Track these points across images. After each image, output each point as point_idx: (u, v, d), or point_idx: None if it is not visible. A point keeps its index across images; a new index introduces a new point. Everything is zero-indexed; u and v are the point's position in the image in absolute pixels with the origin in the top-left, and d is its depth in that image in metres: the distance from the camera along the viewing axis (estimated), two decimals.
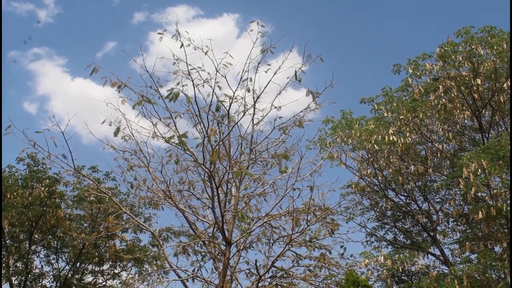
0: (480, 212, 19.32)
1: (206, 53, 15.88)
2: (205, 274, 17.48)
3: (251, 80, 16.44)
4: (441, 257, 22.71)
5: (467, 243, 21.24)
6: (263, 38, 16.33)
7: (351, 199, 24.97)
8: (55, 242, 25.38)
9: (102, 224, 20.54)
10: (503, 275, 19.49)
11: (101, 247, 25.17)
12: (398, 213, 25.10)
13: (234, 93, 16.20)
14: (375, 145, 22.52)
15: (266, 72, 16.31)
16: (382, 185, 24.42)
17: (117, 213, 18.40)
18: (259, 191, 17.87)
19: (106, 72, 15.34)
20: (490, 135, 22.46)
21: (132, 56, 15.88)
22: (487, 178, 19.01)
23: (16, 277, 24.26)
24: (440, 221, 24.16)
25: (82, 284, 23.95)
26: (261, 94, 16.52)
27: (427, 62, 23.05)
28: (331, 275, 17.85)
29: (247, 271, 17.84)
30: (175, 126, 15.89)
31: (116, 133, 15.93)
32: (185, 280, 16.38)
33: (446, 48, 21.96)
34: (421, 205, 24.71)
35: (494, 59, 21.17)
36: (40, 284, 25.13)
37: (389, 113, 23.81)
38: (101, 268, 26.09)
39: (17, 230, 24.34)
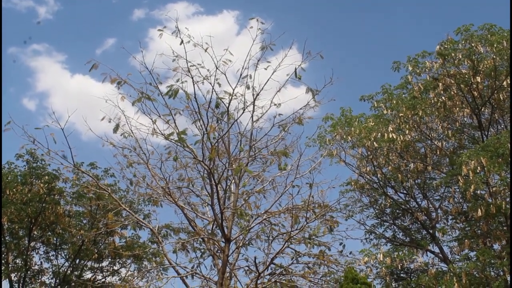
0: (479, 210, 19.35)
1: (206, 50, 15.87)
2: (204, 271, 17.52)
3: (250, 77, 16.44)
4: (440, 255, 22.73)
5: (466, 240, 21.26)
6: (263, 35, 16.36)
7: (351, 197, 25.02)
8: (55, 239, 25.42)
9: (101, 220, 20.55)
10: (501, 273, 19.50)
11: (100, 244, 25.20)
12: (397, 211, 25.11)
13: (233, 90, 16.21)
14: (374, 143, 22.53)
15: (265, 69, 16.32)
16: (381, 183, 24.43)
17: (117, 210, 18.39)
18: (259, 188, 17.86)
19: (105, 69, 15.34)
20: (489, 133, 22.46)
21: (132, 53, 15.85)
22: (486, 176, 19.04)
23: (16, 273, 24.30)
24: (439, 219, 24.19)
25: (81, 281, 23.99)
26: (260, 91, 16.52)
27: (427, 59, 23.03)
28: (330, 272, 17.87)
29: (246, 268, 17.88)
30: (175, 123, 15.89)
31: (115, 130, 15.92)
32: (184, 277, 16.39)
33: (446, 46, 21.95)
34: (420, 202, 24.74)
35: (494, 57, 21.17)
36: (40, 280, 25.17)
37: (389, 111, 23.80)
38: (100, 265, 26.13)
39: (16, 227, 24.38)
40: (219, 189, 16.12)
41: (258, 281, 16.40)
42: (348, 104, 24.67)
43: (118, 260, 25.89)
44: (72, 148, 15.12)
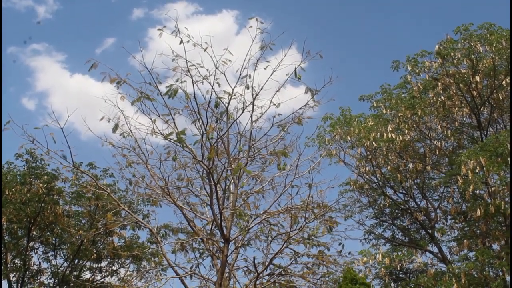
0: (478, 210, 19.36)
1: (205, 50, 15.86)
2: (203, 271, 17.48)
3: (250, 77, 16.44)
4: (439, 255, 22.73)
5: (465, 240, 21.27)
6: (262, 34, 16.35)
7: (350, 197, 25.03)
8: (53, 239, 25.41)
9: (101, 220, 20.54)
10: (500, 273, 19.51)
11: (99, 244, 25.19)
12: (396, 211, 25.12)
13: (233, 90, 16.20)
14: (373, 143, 22.52)
15: (265, 69, 16.30)
16: (380, 183, 24.43)
17: (116, 210, 18.35)
18: (258, 188, 17.83)
19: (105, 68, 15.32)
20: (488, 132, 22.47)
21: (131, 53, 15.83)
22: (485, 176, 19.05)
23: (14, 273, 24.27)
24: (438, 219, 24.20)
25: (80, 281, 23.98)
26: (260, 91, 16.51)
27: (426, 59, 23.04)
28: (329, 272, 17.85)
29: (245, 268, 17.85)
30: (174, 122, 15.87)
31: (114, 130, 15.91)
32: (183, 277, 16.37)
33: (445, 45, 21.94)
34: (419, 202, 24.76)
35: (493, 56, 21.17)
36: (38, 281, 25.15)
37: (388, 110, 23.81)
38: (99, 265, 26.10)
39: (15, 227, 24.36)
40: (218, 189, 16.11)
41: (257, 282, 16.39)
42: (347, 104, 24.72)
43: (117, 260, 25.87)
44: (72, 148, 15.10)
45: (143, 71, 15.48)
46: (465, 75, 22.02)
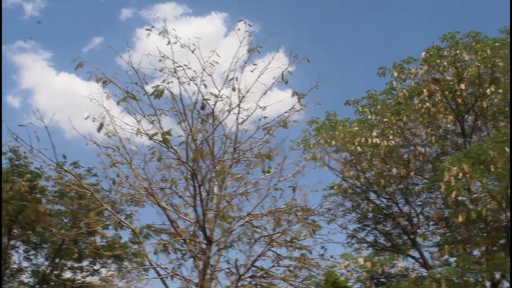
0: (460, 216, 19.49)
1: (193, 51, 15.90)
2: (185, 272, 17.38)
3: (237, 79, 16.48)
4: (421, 260, 22.88)
5: (446, 246, 21.42)
6: (251, 37, 16.40)
7: (333, 201, 25.07)
8: (35, 238, 25.19)
9: (83, 220, 20.41)
10: (480, 279, 19.67)
11: (81, 243, 25.03)
12: (379, 216, 25.23)
13: (219, 92, 16.23)
14: (358, 147, 22.62)
15: (252, 71, 16.36)
16: (364, 187, 24.53)
17: (99, 210, 18.28)
18: (242, 191, 17.82)
19: (91, 67, 15.32)
20: (472, 139, 22.65)
21: (119, 52, 15.84)
22: (468, 183, 19.18)
23: None
24: (420, 224, 24.33)
25: (61, 280, 23.82)
26: (246, 93, 16.54)
27: (412, 65, 23.21)
28: (311, 275, 17.87)
29: (227, 270, 17.77)
30: (159, 123, 15.85)
31: (99, 129, 15.86)
32: (164, 278, 16.32)
33: (431, 53, 22.12)
34: (402, 207, 24.88)
35: (478, 64, 21.37)
36: (18, 279, 24.94)
37: (373, 116, 23.94)
38: (80, 265, 25.94)
39: None
40: (202, 190, 16.10)
41: (239, 284, 16.39)
42: (333, 108, 24.77)
43: (98, 260, 25.72)
44: (56, 146, 15.05)
45: (130, 71, 15.49)
46: (451, 83, 22.21)
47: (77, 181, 18.65)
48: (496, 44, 21.25)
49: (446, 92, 22.36)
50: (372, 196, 24.89)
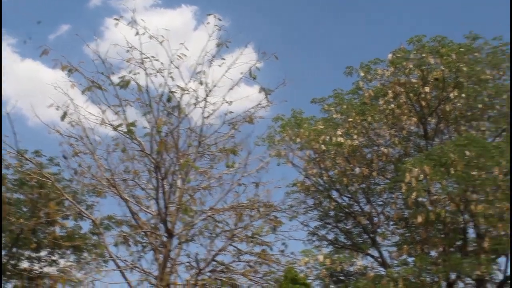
0: (419, 217, 19.77)
1: (161, 43, 15.82)
2: (144, 265, 17.30)
3: (204, 73, 16.44)
4: (379, 259, 23.18)
5: (405, 246, 21.72)
6: (220, 32, 16.37)
7: (296, 198, 25.22)
8: None
9: (43, 209, 20.10)
10: (436, 279, 20.03)
11: (40, 233, 24.64)
12: (340, 214, 25.44)
13: (186, 85, 16.18)
14: (322, 146, 22.77)
15: (220, 66, 16.35)
16: (326, 186, 24.73)
17: (59, 199, 18.05)
18: (205, 185, 17.80)
19: (57, 55, 15.14)
20: (434, 142, 23.00)
21: (86, 41, 15.65)
22: (428, 184, 19.47)
23: None
24: (380, 224, 24.62)
25: (17, 270, 23.41)
26: (213, 87, 16.53)
27: (379, 67, 23.45)
28: (271, 271, 17.96)
29: (188, 264, 17.76)
30: (124, 114, 15.74)
31: (63, 118, 15.68)
32: (124, 270, 16.22)
33: (398, 55, 22.39)
34: (363, 207, 25.14)
35: (443, 68, 21.69)
36: None
37: (339, 115, 24.12)
38: (38, 255, 25.54)
39: None
40: (165, 183, 16.05)
41: (199, 278, 16.39)
42: (300, 106, 24.88)
43: (57, 250, 25.36)
44: (17, 134, 14.81)
45: (96, 60, 15.36)
46: (415, 85, 22.51)
47: (38, 170, 18.37)
48: (461, 49, 21.62)
49: (411, 95, 22.67)
50: (334, 194, 25.12)
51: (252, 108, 17.35)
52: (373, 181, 25.10)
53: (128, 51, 15.73)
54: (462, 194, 19.29)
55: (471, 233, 21.35)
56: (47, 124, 16.65)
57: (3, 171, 23.54)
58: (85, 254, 24.66)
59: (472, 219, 20.07)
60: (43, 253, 25.64)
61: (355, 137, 23.41)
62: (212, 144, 17.60)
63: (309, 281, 18.87)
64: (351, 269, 23.38)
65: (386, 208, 25.02)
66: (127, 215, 17.72)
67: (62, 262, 25.72)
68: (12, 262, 24.67)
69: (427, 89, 22.26)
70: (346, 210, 24.95)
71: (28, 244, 24.03)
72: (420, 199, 20.42)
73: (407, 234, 22.95)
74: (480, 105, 22.31)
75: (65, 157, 15.59)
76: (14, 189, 24.21)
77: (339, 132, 23.01)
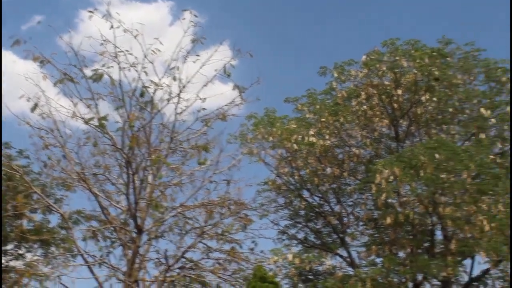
0: (388, 218, 19.94)
1: (135, 37, 15.73)
2: (113, 260, 17.21)
3: (178, 69, 16.40)
4: (348, 259, 23.33)
5: (373, 246, 21.89)
6: (195, 28, 16.36)
7: (267, 196, 25.26)
8: None
9: (10, 202, 19.82)
10: (404, 280, 20.25)
11: (6, 226, 24.27)
12: (311, 213, 25.53)
13: (160, 80, 16.12)
14: (294, 145, 22.82)
15: (194, 62, 16.34)
16: (298, 185, 24.80)
17: (27, 192, 17.82)
18: (176, 181, 17.76)
19: (30, 46, 14.97)
20: (405, 144, 23.21)
21: (59, 33, 15.50)
22: (398, 186, 19.67)
23: None
24: (350, 224, 24.75)
25: None
26: (187, 84, 16.51)
27: (352, 68, 23.60)
28: (240, 269, 18.00)
29: (157, 260, 17.71)
30: (96, 108, 15.64)
31: (33, 109, 15.52)
32: (92, 266, 16.10)
33: (372, 57, 22.55)
34: (333, 207, 25.23)
35: (416, 71, 21.91)
36: None
37: (311, 115, 24.18)
38: (4, 248, 25.16)
39: None
40: (135, 178, 15.98)
41: (167, 274, 16.34)
42: (273, 105, 24.90)
43: (24, 244, 25.01)
44: None
45: (70, 52, 15.22)
46: (388, 88, 22.71)
47: (6, 162, 18.12)
48: (433, 53, 21.86)
49: (383, 97, 22.85)
50: (305, 194, 25.19)
51: (226, 105, 17.39)
52: (343, 182, 25.23)
53: (102, 44, 15.66)
54: (430, 197, 19.52)
55: (439, 235, 21.61)
56: (17, 116, 16.46)
57: None
58: (53, 249, 24.36)
59: (440, 222, 20.32)
60: (9, 247, 25.26)
61: (327, 137, 23.51)
62: (184, 141, 17.58)
63: (278, 279, 18.93)
64: (320, 268, 23.49)
65: (356, 209, 25.20)
66: (97, 210, 17.62)
67: (29, 256, 25.36)
68: None
69: (399, 91, 22.46)
70: (317, 209, 25.06)
71: None
72: (389, 200, 20.61)
73: (376, 235, 23.14)
74: (450, 109, 22.59)
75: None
76: None
77: (311, 132, 23.08)
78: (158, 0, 52.39)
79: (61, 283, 16.31)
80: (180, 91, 16.54)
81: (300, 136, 22.90)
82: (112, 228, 17.27)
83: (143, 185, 16.56)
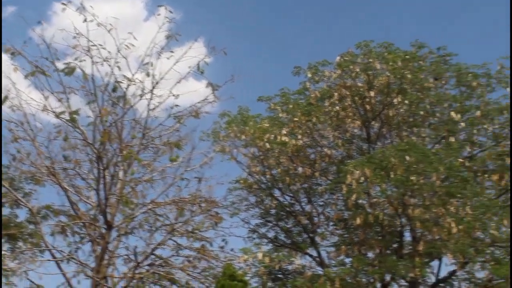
0: (358, 218, 20.08)
1: (109, 31, 15.62)
2: (81, 256, 17.07)
3: (152, 64, 16.32)
4: (318, 259, 23.43)
5: (343, 247, 22.01)
6: (170, 24, 16.30)
7: (238, 195, 25.21)
8: None
9: None
10: (372, 280, 20.43)
11: None
12: (281, 213, 25.56)
13: (133, 75, 16.03)
14: (267, 144, 22.86)
15: (168, 58, 16.28)
16: (269, 184, 24.83)
17: None
18: (147, 177, 17.67)
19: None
20: (376, 146, 23.40)
21: (32, 25, 15.30)
22: (368, 187, 19.82)
23: None
24: (320, 224, 24.84)
25: None
26: (160, 80, 16.44)
27: (326, 68, 23.71)
28: (210, 267, 18.00)
29: (126, 256, 17.63)
30: (68, 102, 15.48)
31: (3, 101, 15.29)
32: (60, 261, 15.94)
33: (346, 58, 22.70)
34: (304, 206, 25.29)
35: (388, 74, 22.11)
36: None
37: (284, 114, 24.24)
38: None
39: None
40: (106, 174, 15.87)
41: (136, 271, 16.25)
42: (247, 104, 24.87)
43: None
44: None
45: (42, 45, 15.05)
46: (361, 89, 22.88)
47: None
48: (406, 56, 22.09)
49: (356, 98, 22.99)
50: (277, 193, 25.21)
51: (199, 102, 17.38)
52: (315, 181, 25.30)
53: (75, 37, 15.53)
54: (400, 198, 19.71)
55: (407, 237, 21.83)
56: None
57: None
58: (20, 243, 23.98)
59: (409, 223, 20.52)
60: None
61: (299, 137, 23.59)
62: (157, 137, 17.52)
63: (247, 278, 18.98)
64: (290, 267, 23.53)
65: (327, 209, 25.28)
66: (66, 205, 17.45)
67: None
68: None
69: (372, 93, 22.63)
70: (287, 209, 25.11)
71: None
72: (360, 201, 20.76)
73: (345, 235, 23.27)
74: (422, 112, 22.83)
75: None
76: None
77: (284, 131, 23.13)
78: None
79: (28, 279, 16.18)
80: (153, 87, 16.47)
81: (273, 135, 22.93)
82: (81, 224, 17.12)
83: (113, 181, 16.45)
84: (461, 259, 18.84)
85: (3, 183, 17.26)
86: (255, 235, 25.57)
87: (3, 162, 22.93)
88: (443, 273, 21.45)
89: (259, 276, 22.44)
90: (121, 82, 16.09)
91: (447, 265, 20.87)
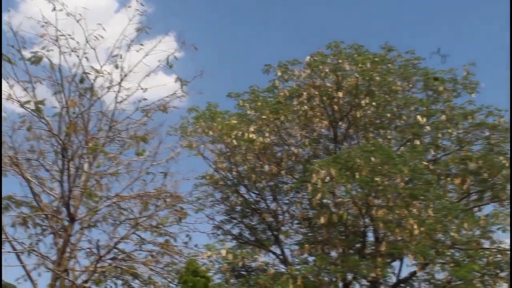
0: (322, 218, 20.22)
1: (78, 21, 15.42)
2: (43, 249, 16.82)
3: (121, 57, 16.18)
4: (281, 256, 23.55)
5: (306, 245, 22.14)
6: (141, 17, 16.18)
7: (203, 191, 25.17)
8: None
9: None
10: (334, 279, 20.60)
11: None
12: (246, 210, 25.62)
13: (101, 67, 15.86)
14: (234, 141, 22.87)
15: (138, 51, 16.16)
16: (235, 181, 24.85)
17: None
18: (113, 171, 17.51)
19: None
20: (342, 146, 23.59)
21: None
22: (333, 186, 19.96)
23: None
24: (285, 222, 24.94)
25: None
26: (129, 72, 16.32)
27: (296, 67, 23.79)
28: (173, 262, 17.93)
29: (88, 250, 17.44)
30: (33, 91, 15.25)
31: None
32: (20, 253, 15.69)
33: (316, 58, 22.80)
34: (269, 204, 25.39)
35: (357, 75, 22.30)
36: None
37: (253, 111, 24.27)
38: None
39: None
40: (71, 166, 15.67)
41: (98, 265, 16.11)
42: (216, 100, 24.82)
43: None
44: None
45: (8, 32, 14.78)
46: (329, 89, 23.02)
47: None
48: (375, 59, 22.31)
49: (324, 98, 23.14)
50: (242, 190, 25.27)
51: (167, 97, 17.30)
52: (281, 180, 25.40)
53: (43, 26, 15.29)
54: (364, 199, 19.92)
55: (370, 237, 22.13)
56: None
57: None
58: None
59: (372, 223, 20.76)
60: None
61: (267, 134, 23.66)
62: (123, 130, 17.39)
63: (210, 274, 18.96)
64: (253, 264, 23.58)
65: (292, 207, 25.40)
66: (28, 196, 17.16)
67: None
68: None
69: (340, 94, 22.80)
70: (253, 206, 25.17)
71: None
72: (324, 200, 20.90)
73: (309, 234, 23.43)
74: (388, 115, 23.11)
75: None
76: None
77: (251, 129, 23.17)
78: None
79: None
80: (122, 80, 16.33)
81: (240, 132, 22.96)
82: (43, 216, 16.87)
83: (78, 173, 16.26)
84: (422, 260, 19.14)
85: None
86: (219, 231, 25.60)
87: None
88: (404, 274, 21.81)
89: (222, 273, 22.45)
90: (89, 73, 15.93)
91: (408, 266, 21.23)
